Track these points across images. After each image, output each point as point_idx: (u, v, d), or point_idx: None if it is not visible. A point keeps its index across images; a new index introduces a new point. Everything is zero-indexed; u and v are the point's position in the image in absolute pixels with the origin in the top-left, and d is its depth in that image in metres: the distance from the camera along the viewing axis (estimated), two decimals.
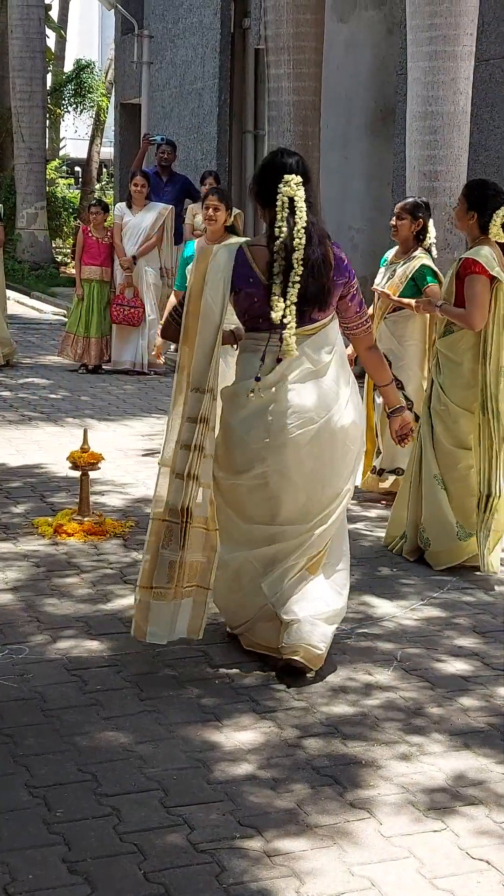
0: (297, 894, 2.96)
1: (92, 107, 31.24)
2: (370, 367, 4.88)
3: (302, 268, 4.23)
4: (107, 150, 31.14)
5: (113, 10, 20.26)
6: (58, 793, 3.42)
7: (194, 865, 3.07)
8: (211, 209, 7.32)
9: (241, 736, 3.83)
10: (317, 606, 4.37)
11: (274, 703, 4.10)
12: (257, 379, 4.33)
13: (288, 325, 4.24)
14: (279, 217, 4.25)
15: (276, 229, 4.26)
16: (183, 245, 11.56)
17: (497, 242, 5.62)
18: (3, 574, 5.41)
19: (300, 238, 4.23)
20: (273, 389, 4.34)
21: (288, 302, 4.23)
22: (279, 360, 4.31)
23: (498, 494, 5.49)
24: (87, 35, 50.85)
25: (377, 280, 6.95)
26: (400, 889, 2.99)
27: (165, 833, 3.22)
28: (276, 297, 4.24)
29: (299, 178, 4.28)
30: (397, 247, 7.00)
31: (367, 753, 3.73)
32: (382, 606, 5.14)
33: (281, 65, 11.94)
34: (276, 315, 4.22)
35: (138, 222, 11.52)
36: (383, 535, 6.13)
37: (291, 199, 4.26)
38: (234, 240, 4.51)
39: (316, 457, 4.37)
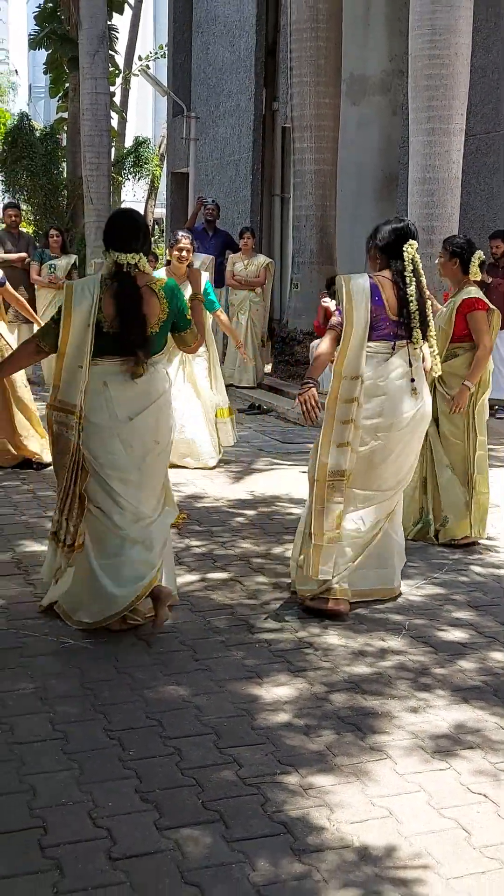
0: (328, 821, 2.96)
1: (147, 175, 31.34)
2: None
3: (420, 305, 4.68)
4: (160, 211, 31.29)
5: (166, 96, 20.35)
6: (130, 736, 3.44)
7: (243, 797, 3.08)
8: (181, 249, 7.36)
9: (278, 690, 3.84)
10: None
11: (304, 664, 4.10)
12: (412, 379, 4.67)
13: (416, 340, 4.67)
14: (407, 270, 4.64)
15: (407, 277, 4.63)
16: (230, 279, 11.68)
17: (474, 281, 5.81)
18: None
19: (423, 287, 4.71)
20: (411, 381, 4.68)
21: (415, 322, 4.66)
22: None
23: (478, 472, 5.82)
24: (143, 116, 51.10)
25: None
26: (413, 817, 3.00)
27: (219, 769, 3.24)
28: (415, 325, 4.64)
29: (416, 244, 4.68)
30: None
31: (382, 706, 3.74)
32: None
33: (304, 140, 11.99)
34: (416, 338, 4.66)
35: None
36: None
37: (414, 259, 4.65)
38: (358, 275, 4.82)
39: (420, 435, 4.84)
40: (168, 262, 7.63)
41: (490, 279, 9.14)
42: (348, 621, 4.59)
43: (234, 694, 3.80)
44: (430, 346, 4.78)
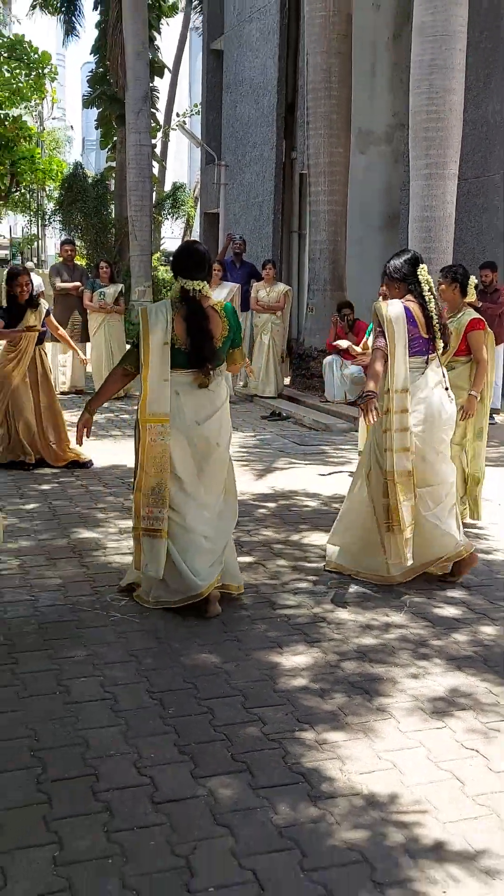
0: (340, 772, 2.96)
1: (184, 215, 31.43)
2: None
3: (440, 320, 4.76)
4: None
5: (199, 147, 20.38)
6: (169, 697, 3.45)
7: (266, 750, 3.08)
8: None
9: (296, 659, 3.83)
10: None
11: (319, 636, 4.09)
12: (446, 388, 4.74)
13: (438, 350, 4.76)
14: (426, 289, 4.70)
15: (428, 295, 4.69)
16: (254, 304, 11.66)
17: (468, 303, 5.82)
18: (126, 542, 5.35)
19: (438, 303, 4.78)
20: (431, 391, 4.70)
21: (441, 340, 4.75)
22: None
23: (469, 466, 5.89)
24: (180, 164, 51.28)
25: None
26: (414, 769, 2.99)
27: (245, 726, 3.24)
28: (438, 338, 4.69)
29: (426, 266, 4.78)
30: None
31: (387, 672, 3.72)
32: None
33: (318, 184, 11.97)
34: (439, 348, 4.75)
35: (215, 296, 11.53)
36: None
37: (427, 280, 4.70)
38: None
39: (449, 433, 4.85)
40: None
41: (480, 303, 9.07)
42: (357, 600, 4.57)
43: (259, 661, 3.79)
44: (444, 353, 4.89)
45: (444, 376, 4.78)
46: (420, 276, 4.70)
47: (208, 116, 20.46)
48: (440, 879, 2.45)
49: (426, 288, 4.69)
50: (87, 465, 7.41)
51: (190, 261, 4.30)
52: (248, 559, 5.17)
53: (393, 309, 4.64)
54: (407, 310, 4.66)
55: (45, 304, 7.45)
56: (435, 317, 4.69)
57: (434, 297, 4.73)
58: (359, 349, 7.31)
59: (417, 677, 3.68)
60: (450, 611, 4.46)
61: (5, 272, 7.43)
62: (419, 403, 4.64)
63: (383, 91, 14.08)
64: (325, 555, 5.13)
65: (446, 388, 4.76)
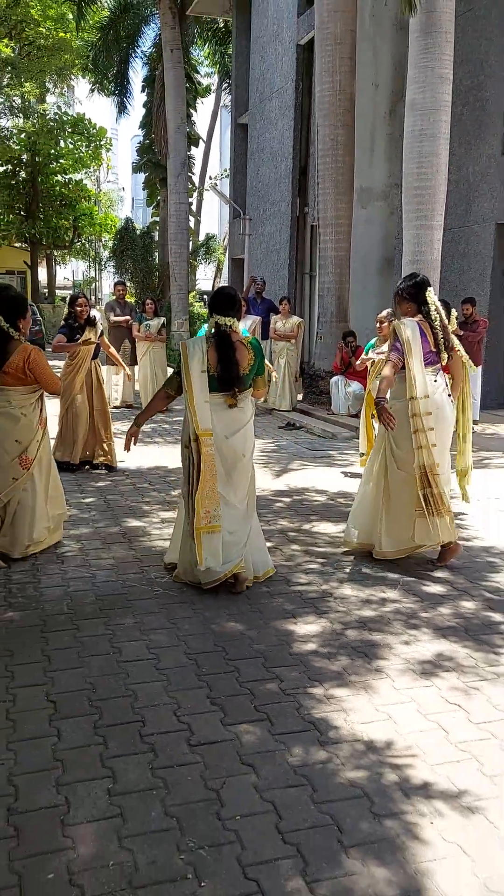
0: (344, 722, 2.94)
1: (214, 260, 31.53)
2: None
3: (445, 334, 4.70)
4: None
5: (228, 204, 20.43)
6: (202, 658, 3.44)
7: (283, 703, 3.07)
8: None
9: (308, 627, 3.81)
10: None
11: (327, 608, 4.07)
12: (449, 395, 4.70)
13: (443, 361, 4.69)
14: (433, 309, 4.65)
15: (434, 314, 4.64)
16: (274, 334, 11.66)
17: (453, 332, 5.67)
18: (167, 530, 5.37)
19: (444, 320, 4.70)
20: (441, 395, 4.66)
21: (445, 354, 4.68)
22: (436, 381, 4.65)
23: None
24: (212, 218, 51.40)
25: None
26: (406, 719, 2.97)
27: (266, 683, 3.22)
28: (443, 352, 4.65)
29: (432, 289, 4.75)
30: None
31: (383, 640, 3.69)
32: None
33: (326, 234, 11.95)
34: (444, 360, 4.67)
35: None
36: None
37: (434, 302, 4.68)
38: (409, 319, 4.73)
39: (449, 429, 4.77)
40: None
41: (461, 332, 9.03)
42: (359, 578, 4.55)
43: (277, 629, 3.78)
44: (459, 354, 4.78)
45: (446, 384, 4.72)
46: (428, 298, 4.65)
47: (235, 178, 20.50)
48: (428, 813, 2.44)
49: (433, 308, 4.64)
50: (114, 468, 7.39)
51: (223, 302, 4.31)
52: (267, 544, 5.16)
53: (409, 330, 4.60)
54: (420, 328, 4.63)
55: (100, 324, 7.47)
56: (440, 333, 4.64)
57: (440, 317, 4.66)
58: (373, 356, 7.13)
59: (409, 644, 3.65)
60: (436, 588, 4.42)
61: (68, 298, 7.48)
62: (430, 406, 4.60)
63: (381, 156, 14.03)
64: (331, 541, 5.11)
65: (449, 395, 4.71)
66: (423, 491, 4.54)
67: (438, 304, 4.70)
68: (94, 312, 8.37)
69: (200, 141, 30.90)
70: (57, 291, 38.80)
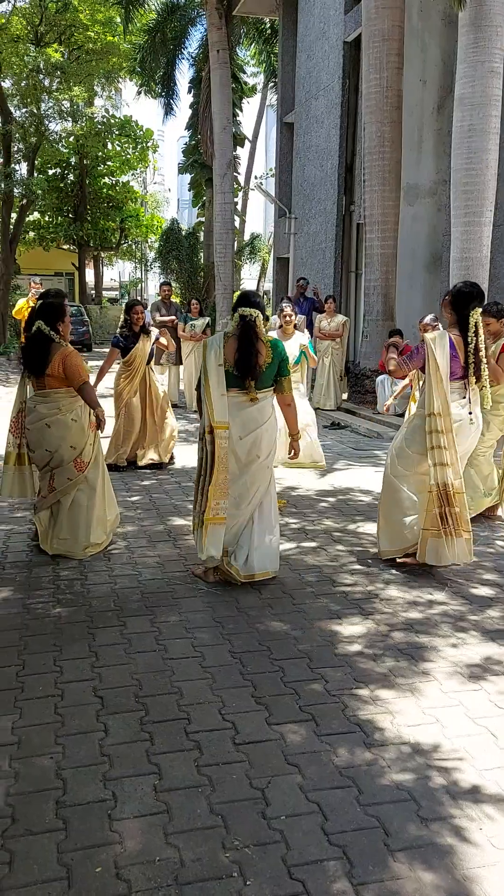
0: (391, 724, 2.91)
1: (259, 260, 31.54)
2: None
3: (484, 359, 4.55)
4: (268, 286, 31.42)
5: (273, 203, 20.42)
6: (247, 657, 3.44)
7: (328, 704, 3.05)
8: (286, 316, 7.33)
9: (353, 628, 3.79)
10: None
11: (372, 609, 4.04)
12: (471, 413, 4.55)
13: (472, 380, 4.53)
14: (470, 332, 4.49)
15: (471, 335, 4.48)
16: (320, 332, 11.61)
17: None
18: None
19: (482, 343, 4.54)
20: (469, 415, 4.55)
21: (474, 373, 4.53)
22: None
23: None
24: (257, 218, 51.44)
25: None
26: (453, 723, 2.92)
27: (311, 683, 3.22)
28: (472, 373, 4.51)
29: (480, 310, 4.56)
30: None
31: (430, 642, 3.65)
32: None
33: (372, 232, 11.86)
34: (472, 382, 4.53)
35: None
36: None
37: (476, 324, 4.49)
38: (441, 332, 4.61)
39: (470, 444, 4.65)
40: (280, 327, 7.58)
41: None
42: (405, 580, 4.50)
43: (321, 629, 3.77)
44: (482, 387, 4.57)
45: (469, 401, 4.54)
46: (470, 319, 4.47)
47: (281, 177, 20.47)
48: (477, 817, 2.40)
49: (471, 327, 4.47)
50: (162, 466, 7.45)
51: (246, 300, 4.37)
52: (312, 544, 5.15)
53: (440, 347, 4.45)
54: (451, 345, 4.48)
55: (154, 331, 7.55)
56: (472, 354, 4.48)
57: (477, 338, 4.48)
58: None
59: (456, 646, 3.61)
60: (484, 591, 4.35)
61: (125, 304, 7.55)
62: (456, 419, 4.47)
63: (428, 152, 13.85)
64: (376, 541, 5.06)
65: (470, 413, 4.52)
66: (440, 510, 4.35)
67: (480, 325, 4.50)
68: (196, 322, 8.44)
69: (246, 141, 30.92)
70: (104, 293, 39.27)
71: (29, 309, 11.42)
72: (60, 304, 4.82)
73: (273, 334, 7.00)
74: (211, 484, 4.13)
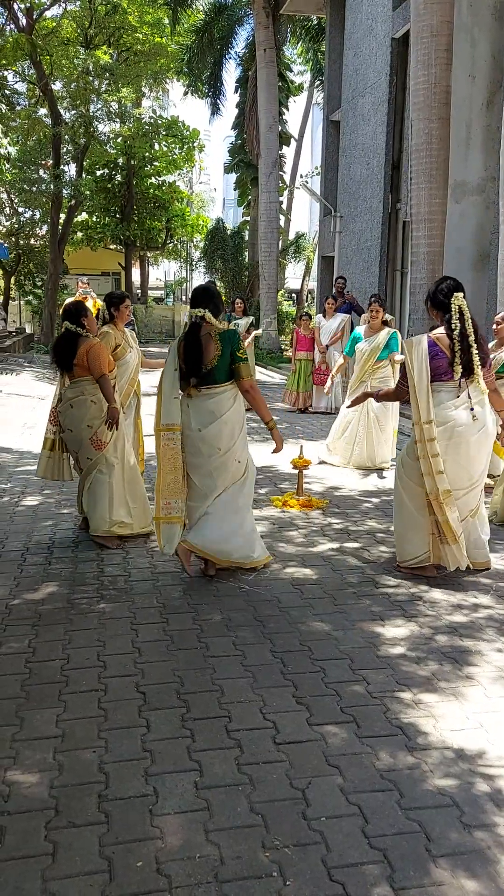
0: (434, 728, 2.87)
1: (304, 259, 31.44)
2: (492, 401, 4.45)
3: (475, 345, 4.26)
4: (312, 284, 31.33)
5: (319, 202, 20.35)
6: (288, 656, 3.43)
7: (370, 706, 3.02)
8: (374, 311, 7.40)
9: (396, 630, 3.75)
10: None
11: (416, 612, 3.99)
12: (472, 409, 4.27)
13: (459, 373, 4.27)
14: (455, 317, 4.25)
15: (455, 323, 4.25)
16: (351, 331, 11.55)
17: None
18: None
19: (471, 329, 4.26)
20: (471, 410, 4.30)
21: (460, 367, 4.26)
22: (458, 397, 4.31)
23: None
24: (302, 216, 51.27)
25: None
26: (498, 729, 2.88)
27: (352, 684, 3.19)
28: (457, 365, 4.26)
29: (462, 295, 4.30)
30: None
31: (475, 646, 3.59)
32: None
33: (419, 230, 11.74)
34: (457, 374, 4.27)
35: (329, 325, 11.49)
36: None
37: (460, 308, 4.26)
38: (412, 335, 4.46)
39: (487, 445, 4.35)
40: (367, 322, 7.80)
41: None
42: (450, 582, 4.44)
43: (364, 631, 3.74)
44: (475, 380, 4.29)
45: (469, 398, 4.29)
46: (453, 305, 4.25)
47: (326, 176, 20.39)
48: None
49: (455, 316, 4.24)
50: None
51: (195, 296, 4.41)
52: (355, 545, 5.12)
53: (415, 351, 4.30)
54: (431, 344, 4.29)
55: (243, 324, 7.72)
56: (457, 343, 4.23)
57: (462, 326, 4.23)
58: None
59: (502, 651, 3.54)
60: None
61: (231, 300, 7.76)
62: (447, 422, 4.26)
63: (477, 149, 13.61)
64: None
65: (471, 409, 4.27)
66: (432, 517, 4.34)
67: (466, 311, 4.25)
68: (240, 321, 8.58)
69: (292, 140, 30.88)
70: (149, 292, 39.62)
71: None
72: (75, 307, 5.13)
73: (360, 329, 7.51)
74: (159, 483, 4.25)
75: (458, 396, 4.30)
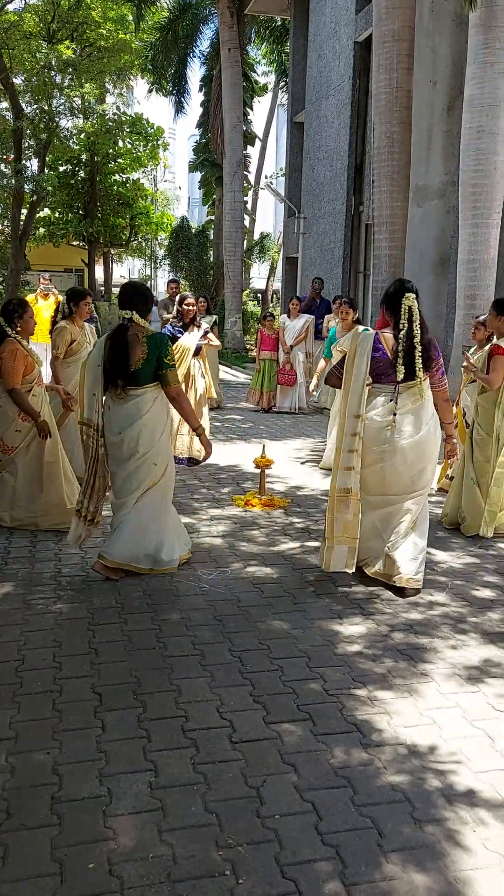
0: (388, 725, 2.90)
1: (269, 259, 31.49)
2: (441, 411, 4.45)
3: (420, 346, 4.21)
4: (277, 285, 31.40)
5: (283, 203, 20.40)
6: (247, 655, 3.44)
7: (326, 703, 3.05)
8: (343, 312, 7.39)
9: (354, 628, 3.79)
10: (413, 551, 4.30)
11: (374, 610, 4.03)
12: (395, 414, 4.23)
13: (402, 380, 4.23)
14: (403, 317, 4.23)
15: (401, 325, 4.22)
16: (326, 333, 11.61)
17: None
18: (216, 527, 5.46)
19: (418, 331, 4.21)
20: (391, 416, 4.25)
21: (402, 368, 4.21)
22: (396, 400, 4.26)
23: (491, 486, 5.29)
24: (266, 217, 51.37)
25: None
26: (451, 725, 2.92)
27: (309, 682, 3.21)
28: (399, 365, 4.22)
29: (414, 296, 4.26)
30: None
31: (430, 643, 3.64)
32: (439, 555, 4.99)
33: (381, 233, 11.81)
34: (399, 375, 4.22)
35: (293, 326, 11.52)
36: (439, 513, 5.95)
37: (410, 308, 4.23)
38: (368, 329, 4.42)
39: (413, 456, 4.25)
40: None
41: None
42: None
43: (322, 629, 3.76)
44: (416, 384, 4.24)
45: (395, 403, 4.24)
46: (403, 305, 4.21)
47: (291, 177, 20.46)
48: (471, 821, 2.39)
49: (404, 317, 4.20)
50: (199, 462, 7.45)
51: (123, 295, 4.40)
52: (315, 543, 5.15)
53: (361, 343, 4.26)
54: (377, 341, 4.28)
55: (205, 325, 7.62)
56: (401, 344, 4.19)
57: (411, 325, 4.19)
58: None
59: (456, 648, 3.60)
60: (485, 592, 4.34)
61: (178, 296, 7.63)
62: (381, 426, 4.24)
63: (438, 154, 13.81)
64: None
65: (394, 415, 4.23)
66: (336, 514, 4.30)
67: (416, 312, 4.20)
68: (204, 319, 8.57)
69: (256, 140, 30.89)
70: (113, 289, 39.29)
71: (36, 304, 11.45)
72: (15, 303, 5.19)
73: (335, 327, 7.38)
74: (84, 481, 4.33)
75: (391, 401, 4.26)
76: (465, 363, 5.73)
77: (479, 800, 2.48)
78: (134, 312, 4.27)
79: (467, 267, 9.02)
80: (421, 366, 4.22)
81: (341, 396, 4.40)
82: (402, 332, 4.22)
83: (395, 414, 4.24)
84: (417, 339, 4.21)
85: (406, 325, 4.23)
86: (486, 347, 5.88)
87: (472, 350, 6.42)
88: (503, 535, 5.44)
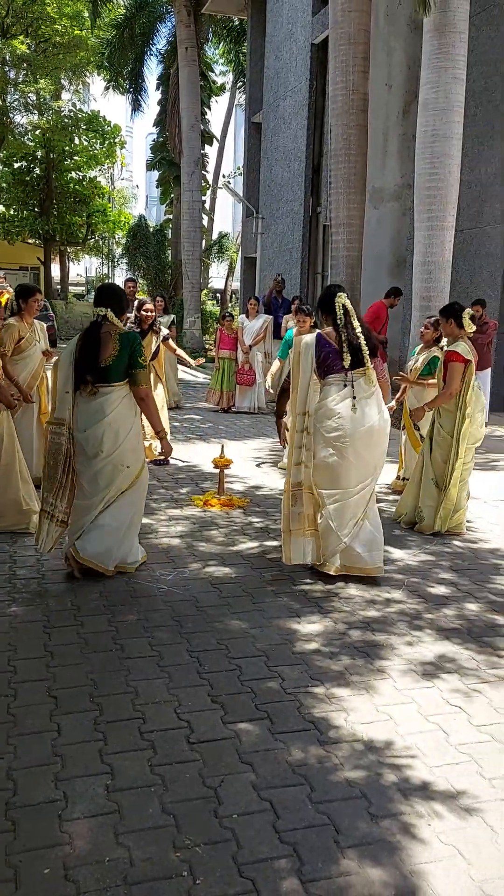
0: (345, 721, 2.93)
1: (227, 259, 31.46)
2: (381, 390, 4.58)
3: (362, 336, 4.36)
4: (235, 284, 31.35)
5: (241, 203, 20.41)
6: (205, 655, 3.44)
7: (284, 702, 3.06)
8: (300, 321, 7.31)
9: (311, 626, 3.81)
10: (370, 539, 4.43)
11: (331, 608, 4.06)
12: (354, 398, 4.30)
13: (350, 368, 4.33)
14: (338, 314, 4.37)
15: (339, 320, 4.37)
16: (284, 333, 11.64)
17: (468, 332, 5.40)
18: (174, 528, 5.44)
19: (355, 321, 4.39)
20: (351, 401, 4.33)
21: (348, 356, 4.33)
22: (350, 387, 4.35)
23: (449, 486, 5.38)
24: (225, 217, 51.31)
25: (409, 364, 6.49)
26: (406, 720, 2.96)
27: (267, 681, 3.22)
28: (345, 353, 4.33)
29: (345, 295, 4.43)
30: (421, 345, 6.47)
31: (386, 640, 3.68)
32: (395, 553, 5.05)
33: (338, 234, 11.89)
34: (346, 363, 4.33)
35: (252, 326, 11.54)
36: (394, 511, 6.02)
37: (343, 305, 4.39)
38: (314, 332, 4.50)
39: (378, 438, 4.35)
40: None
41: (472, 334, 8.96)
42: (365, 579, 4.51)
43: (280, 628, 3.78)
44: (365, 372, 4.36)
45: (352, 388, 4.33)
46: (336, 303, 4.39)
47: (249, 177, 20.49)
48: (426, 814, 2.43)
49: (339, 314, 4.38)
50: (166, 462, 7.41)
51: (100, 294, 4.41)
52: (274, 543, 5.16)
53: (302, 343, 4.41)
54: (320, 338, 4.40)
55: (164, 331, 7.55)
56: (344, 336, 4.34)
57: (347, 322, 4.37)
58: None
59: (412, 644, 3.64)
60: (440, 590, 4.40)
61: (136, 302, 7.52)
62: (332, 417, 4.31)
63: (393, 156, 13.98)
64: None
65: (353, 398, 4.31)
66: (294, 510, 4.41)
67: (350, 308, 4.40)
68: (162, 319, 8.50)
69: (214, 139, 30.83)
70: (70, 288, 38.85)
71: None
72: None
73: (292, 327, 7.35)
74: (44, 478, 4.30)
75: (345, 387, 4.35)
76: (403, 385, 5.94)
77: (434, 793, 2.52)
78: (108, 310, 4.27)
79: (422, 269, 9.13)
80: (367, 352, 4.37)
81: (294, 396, 4.47)
82: (341, 325, 4.39)
83: (354, 398, 4.32)
84: (358, 330, 4.37)
85: (343, 318, 4.40)
86: (434, 349, 5.96)
87: (416, 350, 6.53)
88: (458, 533, 5.53)
